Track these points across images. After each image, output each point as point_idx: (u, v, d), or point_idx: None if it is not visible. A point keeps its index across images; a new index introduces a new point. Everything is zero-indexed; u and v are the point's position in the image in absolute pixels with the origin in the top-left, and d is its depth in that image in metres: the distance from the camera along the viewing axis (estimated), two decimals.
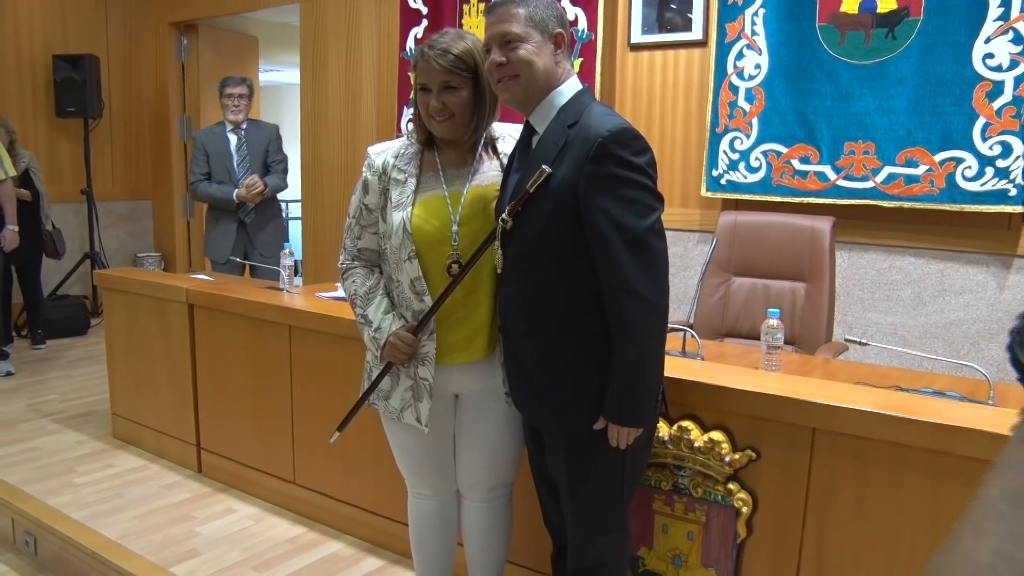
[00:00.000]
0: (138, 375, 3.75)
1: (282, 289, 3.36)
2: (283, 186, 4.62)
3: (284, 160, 4.65)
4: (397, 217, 1.94)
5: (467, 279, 1.94)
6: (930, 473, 1.76)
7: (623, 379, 1.73)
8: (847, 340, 2.15)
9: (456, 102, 1.89)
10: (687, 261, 4.10)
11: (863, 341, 2.14)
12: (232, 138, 4.56)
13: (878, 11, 3.47)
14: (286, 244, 3.48)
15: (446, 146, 2.00)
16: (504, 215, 1.81)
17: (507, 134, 2.04)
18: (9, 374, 4.94)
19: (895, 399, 1.93)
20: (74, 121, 6.35)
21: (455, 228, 1.94)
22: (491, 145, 2.03)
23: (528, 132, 1.87)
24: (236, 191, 4.43)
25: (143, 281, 3.68)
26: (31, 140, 6.07)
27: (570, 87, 1.82)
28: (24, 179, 5.37)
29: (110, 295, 3.91)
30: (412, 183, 1.97)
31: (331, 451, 2.94)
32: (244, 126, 4.58)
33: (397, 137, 5.11)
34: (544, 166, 1.74)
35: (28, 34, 6.20)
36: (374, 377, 2.07)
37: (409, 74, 4.97)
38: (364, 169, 2.02)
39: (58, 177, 6.18)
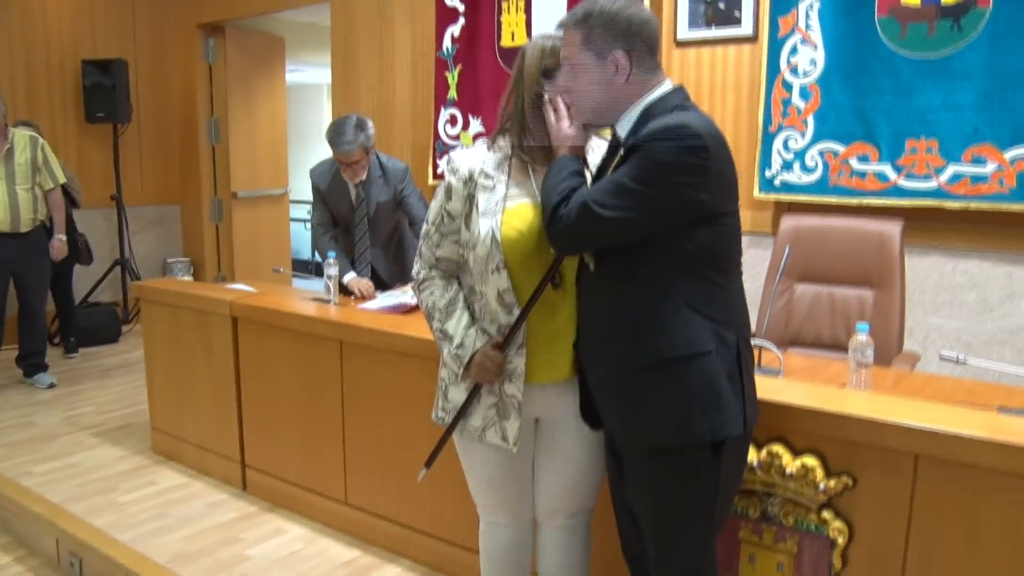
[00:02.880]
0: (179, 389, 3.67)
1: (328, 301, 3.26)
2: (423, 214, 3.60)
3: (414, 191, 3.78)
4: (485, 225, 1.83)
5: (554, 297, 1.85)
6: None
7: None
8: (943, 357, 2.00)
9: None
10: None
11: (960, 358, 2.00)
12: (352, 190, 3.69)
13: (943, 2, 3.31)
14: (330, 254, 3.37)
15: (538, 152, 1.88)
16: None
17: (595, 146, 1.95)
18: (52, 386, 4.87)
19: (1007, 424, 1.80)
20: (103, 126, 6.29)
21: None
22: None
23: (615, 141, 1.80)
24: (347, 279, 3.55)
25: (185, 294, 3.59)
26: (61, 146, 6.00)
27: (655, 94, 1.72)
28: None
29: (149, 307, 3.82)
30: (501, 189, 1.87)
31: (385, 471, 2.84)
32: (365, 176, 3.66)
33: (434, 140, 5.02)
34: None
35: (58, 40, 6.13)
36: (449, 394, 1.97)
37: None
38: (448, 174, 1.92)
39: (88, 183, 6.09)
